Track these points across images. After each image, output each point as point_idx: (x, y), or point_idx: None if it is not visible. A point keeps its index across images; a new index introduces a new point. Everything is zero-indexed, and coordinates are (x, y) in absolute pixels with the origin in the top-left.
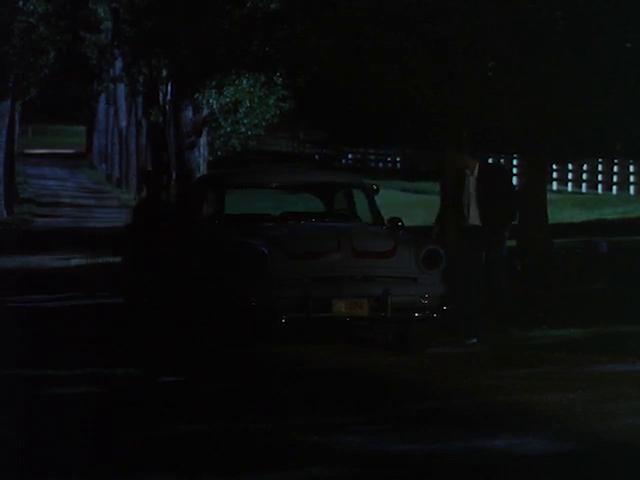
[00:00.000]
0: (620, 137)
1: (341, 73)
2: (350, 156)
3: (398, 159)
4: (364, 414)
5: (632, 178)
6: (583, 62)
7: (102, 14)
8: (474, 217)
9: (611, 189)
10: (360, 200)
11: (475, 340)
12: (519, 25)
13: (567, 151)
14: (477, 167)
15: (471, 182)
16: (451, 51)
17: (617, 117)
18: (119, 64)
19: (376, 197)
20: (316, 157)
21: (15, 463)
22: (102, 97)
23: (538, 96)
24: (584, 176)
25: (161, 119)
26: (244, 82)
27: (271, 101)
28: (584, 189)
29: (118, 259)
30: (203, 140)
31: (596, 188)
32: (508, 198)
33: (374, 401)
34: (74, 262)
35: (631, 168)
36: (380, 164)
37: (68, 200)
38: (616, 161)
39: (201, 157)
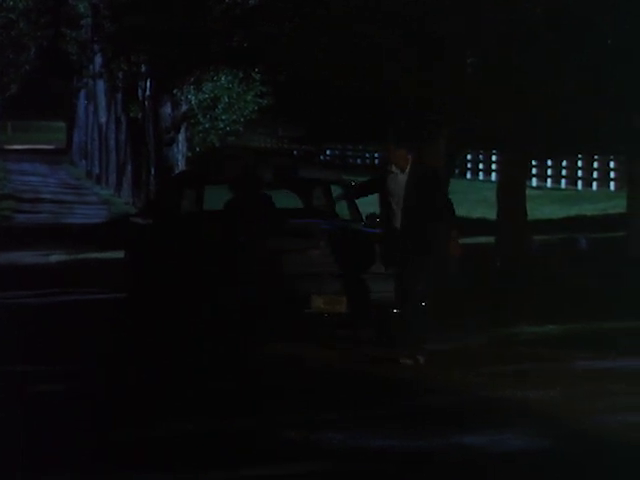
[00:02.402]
0: (602, 133)
1: (330, 70)
2: (328, 152)
3: (376, 155)
4: (349, 411)
5: (612, 174)
6: (573, 60)
7: (82, 10)
8: (397, 220)
9: (591, 185)
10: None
11: (412, 360)
12: (506, 23)
13: (550, 148)
14: (409, 166)
15: (399, 181)
16: (436, 48)
17: (601, 114)
18: (99, 60)
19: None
20: (294, 153)
21: (5, 461)
22: (82, 93)
23: (522, 93)
24: (563, 172)
25: (140, 115)
26: (222, 78)
27: (249, 97)
28: (563, 185)
29: (99, 255)
30: (182, 136)
31: (576, 184)
32: (436, 213)
33: (359, 398)
34: (54, 258)
35: (612, 164)
36: (358, 160)
37: (49, 196)
38: (596, 157)
39: (180, 153)
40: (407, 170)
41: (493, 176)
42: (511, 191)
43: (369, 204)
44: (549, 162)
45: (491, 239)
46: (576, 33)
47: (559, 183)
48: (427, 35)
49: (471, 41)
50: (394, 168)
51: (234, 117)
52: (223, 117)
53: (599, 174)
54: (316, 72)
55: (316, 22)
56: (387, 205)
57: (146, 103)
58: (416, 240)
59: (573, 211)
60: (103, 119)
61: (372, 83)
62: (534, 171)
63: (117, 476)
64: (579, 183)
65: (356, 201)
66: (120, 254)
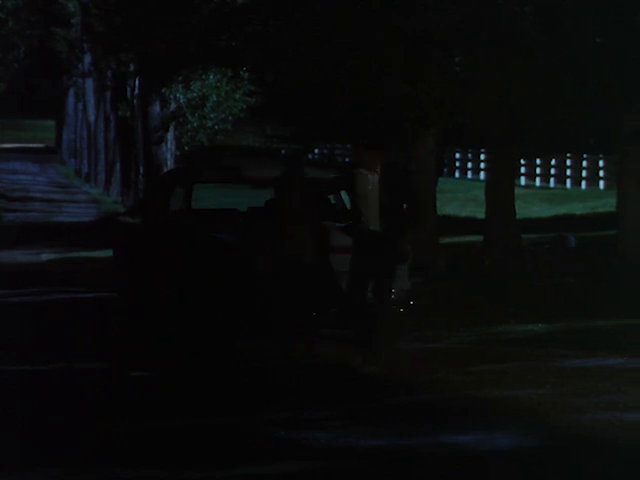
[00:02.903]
0: (594, 132)
1: (317, 70)
2: (317, 151)
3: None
4: (335, 409)
5: (602, 173)
6: (564, 60)
7: (72, 8)
8: (373, 221)
9: (580, 184)
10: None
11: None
12: (495, 22)
13: (539, 147)
14: (379, 167)
15: (370, 182)
16: (425, 47)
17: (590, 112)
18: (88, 59)
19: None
20: (282, 152)
21: (2, 456)
22: (71, 92)
23: (511, 93)
24: (552, 171)
25: (129, 114)
26: (211, 77)
27: (238, 96)
28: (552, 184)
29: (89, 253)
30: (171, 135)
31: (564, 183)
32: (407, 209)
33: (345, 396)
34: (45, 257)
35: (601, 163)
36: (347, 159)
37: (38, 195)
38: (585, 156)
39: (169, 152)
40: (378, 170)
41: (482, 175)
42: (500, 190)
43: None
44: (538, 161)
45: (480, 238)
46: (567, 33)
47: (548, 182)
48: (415, 34)
49: (460, 40)
50: (361, 170)
51: (223, 116)
52: (212, 116)
53: (588, 173)
54: (303, 72)
55: (302, 23)
56: (355, 206)
57: (135, 102)
58: (393, 244)
59: (562, 210)
60: (92, 118)
61: (358, 83)
62: (523, 170)
63: (111, 471)
64: (568, 182)
65: (344, 199)
66: (109, 253)
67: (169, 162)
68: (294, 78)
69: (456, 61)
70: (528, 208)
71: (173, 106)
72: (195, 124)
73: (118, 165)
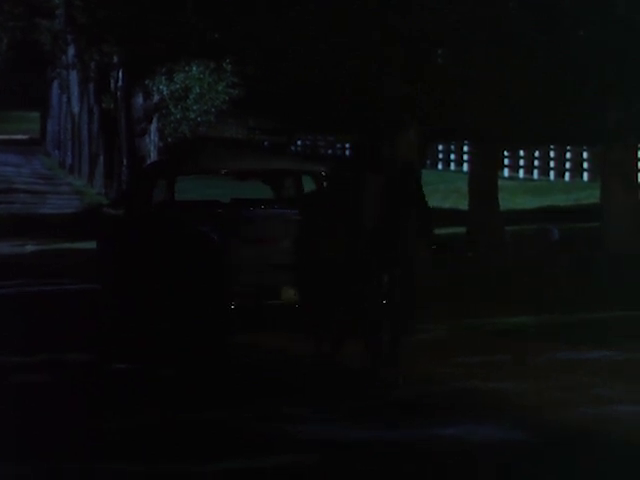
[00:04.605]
0: (580, 129)
1: (316, 70)
2: (299, 142)
3: (347, 146)
4: (323, 403)
5: (585, 165)
6: (556, 57)
7: (56, 0)
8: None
9: (563, 176)
10: (310, 187)
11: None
12: (492, 21)
13: (522, 140)
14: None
15: (374, 181)
16: (421, 46)
17: (590, 112)
18: (72, 51)
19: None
20: (265, 144)
21: None
22: (55, 83)
23: (510, 92)
24: (536, 163)
25: (112, 105)
26: (194, 69)
27: (220, 87)
28: (536, 176)
29: (72, 245)
30: (154, 126)
31: (548, 175)
32: (420, 205)
33: (333, 389)
34: (29, 248)
35: (584, 154)
36: (329, 151)
37: (22, 186)
38: (569, 148)
39: (152, 143)
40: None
41: (465, 167)
42: (483, 182)
43: None
44: (521, 152)
45: (463, 229)
46: (566, 32)
47: (531, 174)
48: (411, 34)
49: (456, 40)
50: (367, 172)
51: (205, 107)
52: (194, 107)
53: (572, 164)
54: (303, 72)
55: (297, 22)
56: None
57: (118, 94)
58: (390, 251)
59: (546, 202)
60: (76, 109)
61: (358, 83)
62: (506, 162)
63: (102, 466)
64: (551, 173)
65: None
66: (93, 244)
67: (152, 154)
68: (294, 78)
69: (454, 61)
70: (511, 200)
71: (156, 98)
72: (178, 116)
73: (102, 157)
